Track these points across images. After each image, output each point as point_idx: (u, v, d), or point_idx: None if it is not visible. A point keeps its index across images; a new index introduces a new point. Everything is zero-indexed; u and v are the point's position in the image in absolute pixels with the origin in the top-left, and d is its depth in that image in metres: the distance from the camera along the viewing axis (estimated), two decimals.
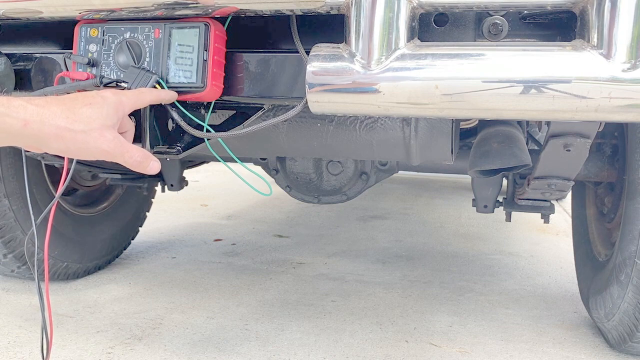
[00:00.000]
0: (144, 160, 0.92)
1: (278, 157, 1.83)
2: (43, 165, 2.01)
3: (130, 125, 0.98)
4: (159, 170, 0.94)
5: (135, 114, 1.11)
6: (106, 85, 1.06)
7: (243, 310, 1.93)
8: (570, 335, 1.81)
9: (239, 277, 2.30)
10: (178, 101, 1.07)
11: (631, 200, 1.50)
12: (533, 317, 1.94)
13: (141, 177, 2.22)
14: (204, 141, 1.20)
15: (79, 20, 1.11)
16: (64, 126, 0.82)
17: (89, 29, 1.10)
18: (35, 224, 1.13)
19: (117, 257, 2.44)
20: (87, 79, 1.07)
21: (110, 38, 1.08)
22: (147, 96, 0.99)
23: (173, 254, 2.62)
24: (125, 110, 0.92)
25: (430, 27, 1.06)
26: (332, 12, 0.97)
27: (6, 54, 1.18)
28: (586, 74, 0.84)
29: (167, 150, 1.17)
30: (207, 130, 1.13)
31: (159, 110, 1.11)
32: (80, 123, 0.84)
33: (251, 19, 1.13)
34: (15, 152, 1.89)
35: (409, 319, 1.89)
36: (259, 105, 1.25)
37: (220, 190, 4.48)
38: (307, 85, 0.95)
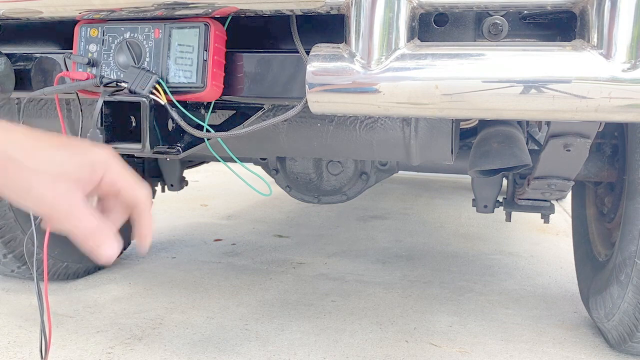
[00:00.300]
0: (95, 236, 0.64)
1: (278, 157, 1.83)
2: None
3: (120, 210, 0.70)
4: (113, 259, 0.65)
5: (135, 114, 1.11)
6: (106, 85, 1.06)
7: (243, 310, 1.93)
8: (570, 335, 1.81)
9: (239, 277, 2.30)
10: (178, 101, 1.07)
11: (631, 200, 1.50)
12: (533, 317, 1.94)
13: (141, 177, 2.21)
14: (204, 141, 1.20)
15: (79, 20, 1.11)
16: (13, 157, 0.61)
17: (89, 29, 1.10)
18: (35, 224, 1.13)
19: (117, 257, 2.44)
20: (87, 79, 1.07)
21: (110, 38, 1.08)
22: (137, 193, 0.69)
23: (173, 254, 2.62)
24: (106, 180, 0.66)
25: (430, 27, 1.06)
26: (332, 12, 0.97)
27: (6, 54, 1.18)
28: (586, 74, 0.84)
29: (167, 150, 1.17)
30: (207, 130, 1.12)
31: (159, 110, 1.10)
32: (36, 160, 0.62)
33: (251, 19, 1.13)
34: None
35: (409, 319, 1.89)
36: (259, 105, 1.25)
37: (220, 190, 4.48)
38: (307, 85, 0.95)
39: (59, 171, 0.63)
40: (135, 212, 0.69)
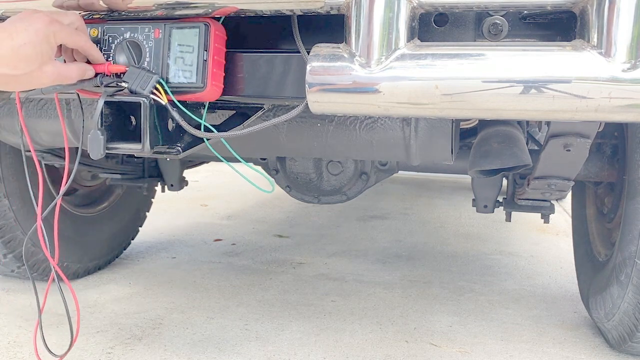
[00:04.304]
0: (81, 75, 1.02)
1: (278, 157, 1.83)
2: (43, 165, 2.00)
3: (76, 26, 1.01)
4: (93, 75, 1.04)
5: (135, 114, 1.11)
6: (106, 86, 1.06)
7: (243, 310, 1.93)
8: (570, 335, 1.81)
9: (239, 277, 2.30)
10: (178, 101, 1.07)
11: (631, 200, 1.50)
12: (533, 317, 1.94)
13: (141, 177, 2.21)
14: (204, 141, 1.20)
15: None
16: (7, 73, 0.91)
17: (89, 29, 1.10)
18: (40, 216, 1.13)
19: (117, 257, 2.44)
20: (87, 79, 1.07)
21: (110, 38, 1.08)
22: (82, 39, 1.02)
23: (173, 254, 2.62)
24: (57, 41, 0.96)
25: (430, 27, 1.05)
26: (332, 12, 0.97)
27: None
28: (586, 74, 0.84)
29: (167, 150, 1.17)
30: (208, 130, 1.12)
31: (159, 110, 1.10)
32: (20, 67, 0.91)
33: (251, 19, 1.13)
34: (16, 152, 1.89)
35: (409, 319, 1.89)
36: (259, 105, 1.25)
37: (220, 190, 4.48)
38: (307, 85, 0.95)
39: (39, 64, 0.93)
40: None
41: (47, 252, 1.15)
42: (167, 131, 1.15)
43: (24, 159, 1.34)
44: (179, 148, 1.18)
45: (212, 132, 1.13)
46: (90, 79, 1.06)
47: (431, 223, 3.52)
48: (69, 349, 1.21)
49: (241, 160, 1.25)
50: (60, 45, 0.99)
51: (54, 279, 1.20)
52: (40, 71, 0.94)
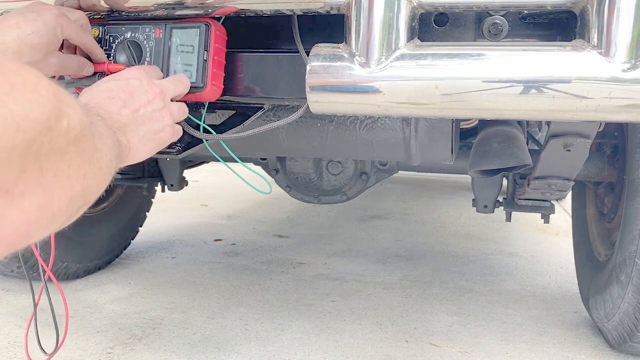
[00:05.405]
0: (80, 67, 1.02)
1: (278, 157, 1.83)
2: None
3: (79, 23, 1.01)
4: (91, 72, 1.04)
5: None
6: None
7: (243, 310, 1.93)
8: (570, 335, 1.81)
9: (239, 277, 2.30)
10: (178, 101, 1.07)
11: (631, 200, 1.50)
12: (533, 317, 1.94)
13: (141, 177, 2.21)
14: (204, 141, 1.20)
15: None
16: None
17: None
18: None
19: (117, 257, 2.44)
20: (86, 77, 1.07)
21: (110, 38, 1.08)
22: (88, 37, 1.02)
23: (173, 254, 2.62)
24: (64, 34, 0.96)
25: (430, 27, 1.06)
26: (332, 12, 0.97)
27: None
28: (586, 74, 0.84)
29: (167, 150, 1.17)
30: (206, 131, 1.12)
31: None
32: (26, 56, 0.89)
33: (251, 19, 1.13)
34: None
35: (409, 319, 1.89)
36: (259, 105, 1.25)
37: (220, 190, 4.48)
38: (307, 85, 0.95)
39: (44, 54, 0.92)
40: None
41: (37, 252, 1.14)
42: None
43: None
44: (179, 148, 1.18)
45: (212, 132, 1.13)
46: (89, 76, 1.06)
47: (431, 223, 3.52)
48: (57, 348, 1.20)
49: (239, 160, 1.24)
50: (63, 41, 0.99)
51: (45, 282, 1.19)
52: (45, 62, 0.93)
